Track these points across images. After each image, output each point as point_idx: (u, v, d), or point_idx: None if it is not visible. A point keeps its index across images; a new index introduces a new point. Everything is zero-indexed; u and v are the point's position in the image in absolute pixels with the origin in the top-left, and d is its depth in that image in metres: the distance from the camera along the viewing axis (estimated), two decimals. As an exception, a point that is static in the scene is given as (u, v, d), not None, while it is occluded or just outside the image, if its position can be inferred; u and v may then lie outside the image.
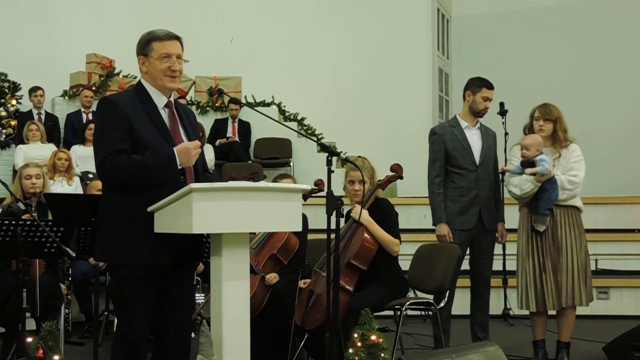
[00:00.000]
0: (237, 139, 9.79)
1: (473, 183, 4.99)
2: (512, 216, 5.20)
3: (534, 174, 4.66)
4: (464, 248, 4.95)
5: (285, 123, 8.52)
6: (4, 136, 9.41)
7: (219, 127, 9.92)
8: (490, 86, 5.08)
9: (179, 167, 3.18)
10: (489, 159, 5.10)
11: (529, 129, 4.91)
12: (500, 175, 5.32)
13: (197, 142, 3.24)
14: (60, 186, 7.21)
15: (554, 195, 4.68)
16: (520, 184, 4.78)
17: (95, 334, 4.59)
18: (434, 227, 5.06)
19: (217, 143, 9.64)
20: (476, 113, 5.08)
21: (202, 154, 3.43)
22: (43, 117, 9.23)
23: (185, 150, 3.17)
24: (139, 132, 3.16)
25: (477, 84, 5.08)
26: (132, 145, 3.15)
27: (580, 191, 4.82)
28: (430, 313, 4.76)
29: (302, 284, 4.74)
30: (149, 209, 3.10)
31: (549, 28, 11.01)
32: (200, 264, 4.41)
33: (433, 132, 5.14)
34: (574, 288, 4.69)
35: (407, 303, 4.45)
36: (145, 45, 3.28)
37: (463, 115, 5.13)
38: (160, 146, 3.18)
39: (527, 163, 4.70)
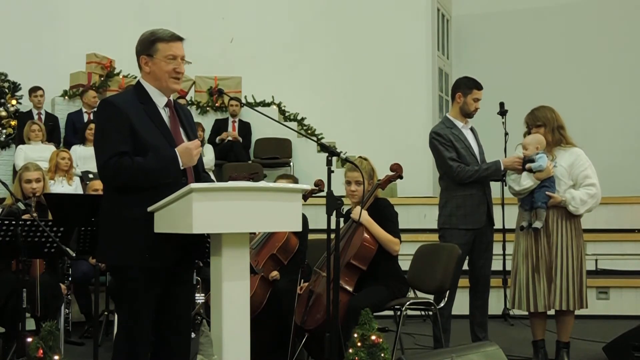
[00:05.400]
0: (237, 136, 9.79)
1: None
2: (512, 216, 5.19)
3: (531, 171, 4.67)
4: (468, 248, 4.91)
5: (285, 123, 8.52)
6: (4, 136, 9.41)
7: (219, 127, 9.92)
8: (480, 87, 5.02)
9: (182, 168, 3.19)
10: (483, 156, 5.10)
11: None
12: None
13: (197, 142, 3.25)
14: (60, 186, 7.20)
15: (551, 191, 4.67)
16: (519, 180, 4.77)
17: (95, 334, 4.58)
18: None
19: (217, 140, 9.67)
20: (468, 114, 5.04)
21: (200, 155, 3.44)
22: (43, 117, 9.23)
23: (187, 151, 3.18)
24: (141, 133, 3.17)
25: (468, 86, 5.02)
26: (134, 146, 3.15)
27: (600, 198, 4.72)
28: (430, 313, 4.75)
29: (299, 290, 4.71)
30: (149, 209, 3.11)
31: (549, 28, 11.00)
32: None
33: (437, 133, 4.98)
34: (568, 291, 4.64)
35: (407, 303, 4.45)
36: (149, 46, 3.26)
37: (454, 116, 5.06)
38: (162, 147, 3.19)
39: (528, 161, 4.71)
